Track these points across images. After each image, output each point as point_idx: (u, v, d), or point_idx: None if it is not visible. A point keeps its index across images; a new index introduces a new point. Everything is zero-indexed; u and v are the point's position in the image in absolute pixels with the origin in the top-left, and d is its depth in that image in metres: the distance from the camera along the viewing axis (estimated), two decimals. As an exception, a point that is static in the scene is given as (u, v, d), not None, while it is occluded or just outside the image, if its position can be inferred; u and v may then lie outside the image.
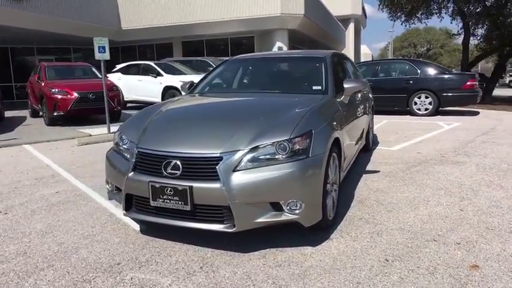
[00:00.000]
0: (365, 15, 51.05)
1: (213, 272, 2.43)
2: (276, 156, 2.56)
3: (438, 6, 19.33)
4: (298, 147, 2.59)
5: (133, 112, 12.03)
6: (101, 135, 7.82)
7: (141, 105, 13.18)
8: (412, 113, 10.09)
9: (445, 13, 18.86)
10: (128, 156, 2.85)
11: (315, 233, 2.91)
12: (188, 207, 2.51)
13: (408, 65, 10.28)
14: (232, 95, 3.89)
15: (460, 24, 19.93)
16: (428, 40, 60.84)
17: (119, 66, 13.75)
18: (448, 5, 18.63)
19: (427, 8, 19.57)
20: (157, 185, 2.56)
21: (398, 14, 20.29)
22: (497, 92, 21.23)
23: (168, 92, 11.86)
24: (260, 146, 2.56)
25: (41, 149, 6.65)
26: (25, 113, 12.41)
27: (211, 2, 18.20)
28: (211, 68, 14.26)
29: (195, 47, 21.24)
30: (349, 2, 36.67)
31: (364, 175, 4.54)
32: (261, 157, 2.55)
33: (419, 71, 9.96)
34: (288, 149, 2.56)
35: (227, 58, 4.65)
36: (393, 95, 9.97)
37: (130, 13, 19.14)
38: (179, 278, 2.36)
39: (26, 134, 8.33)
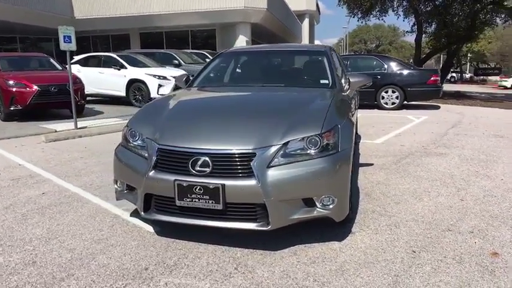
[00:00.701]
0: (318, 11, 52.16)
1: (249, 272, 2.34)
2: (308, 152, 2.51)
3: (392, 4, 20.12)
4: (328, 141, 2.56)
5: (96, 106, 11.43)
6: (69, 131, 7.32)
7: (103, 99, 12.57)
8: (379, 107, 10.44)
9: (401, 11, 19.59)
10: (144, 153, 2.67)
11: (335, 227, 2.90)
12: (220, 206, 2.40)
13: (376, 61, 10.62)
14: (239, 88, 3.75)
15: (411, 22, 21.01)
16: (377, 37, 63.40)
17: (77, 58, 12.93)
18: (404, 3, 19.43)
19: (382, 6, 20.33)
20: (184, 184, 2.42)
21: (355, 11, 20.90)
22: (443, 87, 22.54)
23: (133, 85, 11.37)
24: (291, 141, 2.50)
25: (4, 147, 6.08)
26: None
27: (172, -7, 17.69)
28: (176, 61, 14.02)
29: (153, 39, 20.55)
30: (304, -3, 37.29)
31: (360, 168, 4.61)
32: (292, 152, 2.49)
33: (386, 66, 10.32)
34: (319, 143, 2.52)
35: (222, 51, 4.50)
36: (362, 89, 10.22)
37: (85, 1, 18.09)
38: (217, 280, 2.25)
39: (-20, 130, 7.60)
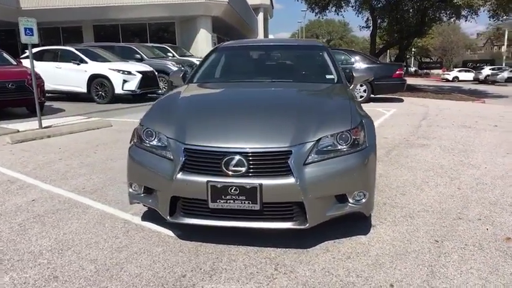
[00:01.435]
0: (272, 5, 52.45)
1: (291, 272, 2.30)
2: (338, 148, 2.50)
3: (347, 0, 20.66)
4: (357, 137, 2.56)
5: (54, 103, 10.70)
6: (35, 130, 6.79)
7: (59, 95, 11.81)
8: (348, 101, 10.70)
9: (357, 5, 20.13)
10: (165, 153, 2.52)
11: (357, 221, 2.93)
12: (257, 207, 2.32)
13: (344, 55, 10.88)
14: (250, 84, 3.60)
15: (365, 18, 21.78)
16: (329, 31, 65.07)
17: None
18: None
19: (338, 2, 20.83)
20: (218, 185, 2.32)
21: (313, 6, 21.24)
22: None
23: (95, 81, 10.79)
24: (323, 138, 2.47)
25: (-35, 150, 5.54)
26: None
27: (128, -17, 16.94)
28: (137, 56, 13.48)
29: (108, 32, 19.61)
30: (259, -10, 37.28)
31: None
32: (324, 149, 2.46)
33: (353, 60, 10.61)
34: (349, 139, 2.52)
35: (218, 45, 4.35)
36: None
37: (32, -9, 16.85)
38: (261, 283, 2.18)
39: None
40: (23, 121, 7.76)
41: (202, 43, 18.53)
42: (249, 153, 2.34)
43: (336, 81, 3.62)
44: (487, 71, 35.77)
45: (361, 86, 10.53)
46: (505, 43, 43.17)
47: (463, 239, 2.75)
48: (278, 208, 2.39)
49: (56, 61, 11.27)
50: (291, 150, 2.36)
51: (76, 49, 11.42)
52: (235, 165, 2.33)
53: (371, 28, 20.76)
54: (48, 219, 3.05)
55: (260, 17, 40.46)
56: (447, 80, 37.96)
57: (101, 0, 17.03)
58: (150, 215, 3.04)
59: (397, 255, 2.52)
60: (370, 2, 19.17)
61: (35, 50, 12.00)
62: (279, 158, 2.35)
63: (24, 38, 6.81)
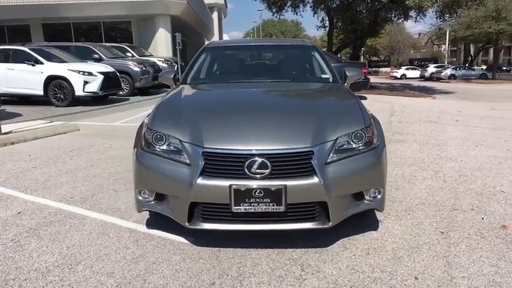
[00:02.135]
0: (226, 5, 52.30)
1: (318, 272, 2.30)
2: (353, 146, 2.54)
3: (303, 0, 21.06)
4: (370, 135, 2.62)
5: (7, 107, 9.93)
6: (-6, 137, 6.28)
7: (9, 99, 11.00)
8: (314, 99, 10.93)
9: (312, 4, 20.52)
10: (181, 158, 2.42)
11: (364, 217, 3.00)
12: (282, 208, 2.31)
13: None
14: (251, 84, 3.54)
15: (320, 18, 22.32)
16: (282, 31, 65.92)
17: (-25, 52, 11.09)
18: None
19: (293, 2, 21.18)
20: (242, 189, 2.27)
21: (271, 6, 21.43)
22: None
23: (53, 82, 10.17)
24: (340, 137, 2.50)
25: None
26: None
27: (80, -20, 16.13)
28: (96, 56, 12.88)
29: (59, 31, 18.56)
30: (213, -10, 37.03)
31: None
32: (341, 148, 2.49)
33: (319, 60, 10.82)
34: (364, 138, 2.56)
35: (206, 45, 4.23)
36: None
37: (-29, -14, 15.56)
38: (293, 285, 2.17)
39: None
40: (-23, 127, 7.14)
41: (162, 43, 18.09)
42: (272, 154, 2.32)
43: (331, 80, 3.67)
44: (432, 68, 38.05)
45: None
46: (447, 42, 46.15)
47: (465, 229, 2.90)
48: (301, 209, 2.39)
49: (8, 62, 10.48)
50: (313, 150, 2.36)
51: (30, 49, 10.70)
52: (259, 168, 2.29)
53: (327, 28, 21.30)
54: (43, 233, 2.84)
55: (215, 16, 40.19)
56: (395, 78, 39.89)
57: (51, -4, 16.09)
58: (155, 222, 2.92)
59: (411, 248, 2.60)
60: (325, 2, 19.66)
61: (-18, 50, 11.14)
62: (301, 158, 2.34)
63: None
